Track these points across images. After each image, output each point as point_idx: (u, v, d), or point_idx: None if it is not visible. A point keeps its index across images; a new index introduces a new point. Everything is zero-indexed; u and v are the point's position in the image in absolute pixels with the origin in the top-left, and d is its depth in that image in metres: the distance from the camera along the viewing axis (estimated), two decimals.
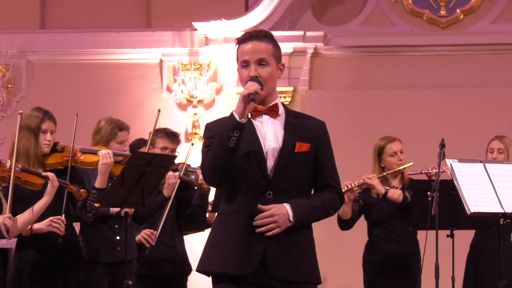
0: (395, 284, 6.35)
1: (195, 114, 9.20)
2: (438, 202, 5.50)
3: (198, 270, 3.81)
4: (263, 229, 3.68)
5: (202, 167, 3.77)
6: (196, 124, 9.16)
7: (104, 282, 5.66)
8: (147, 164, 5.27)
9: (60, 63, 9.37)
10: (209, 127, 3.84)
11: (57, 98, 8.99)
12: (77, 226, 5.55)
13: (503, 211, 5.14)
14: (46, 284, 5.10)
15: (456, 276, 5.98)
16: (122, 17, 9.48)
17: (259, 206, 3.69)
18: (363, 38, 9.12)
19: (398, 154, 6.46)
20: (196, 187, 6.15)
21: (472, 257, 6.66)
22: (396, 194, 6.35)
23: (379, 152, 6.50)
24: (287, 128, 3.79)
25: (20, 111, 5.10)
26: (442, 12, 9.17)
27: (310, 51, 9.03)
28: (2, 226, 4.75)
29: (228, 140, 3.63)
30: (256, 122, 3.79)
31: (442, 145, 5.69)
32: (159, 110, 5.76)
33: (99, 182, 5.28)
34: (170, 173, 5.88)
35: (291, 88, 8.93)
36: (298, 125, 3.81)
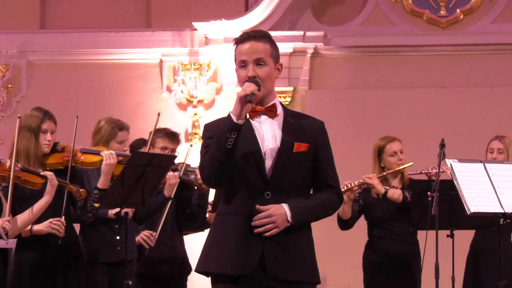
0: (395, 284, 6.35)
1: (195, 114, 9.20)
2: (438, 202, 5.50)
3: (197, 271, 3.82)
4: (261, 229, 3.68)
5: (200, 168, 3.77)
6: (196, 124, 9.17)
7: (104, 282, 5.66)
8: (147, 164, 5.27)
9: (60, 63, 9.37)
10: (208, 127, 3.84)
11: (57, 98, 8.99)
12: (77, 226, 5.55)
13: (503, 211, 5.14)
14: (46, 284, 5.10)
15: (456, 276, 5.98)
16: (122, 17, 9.48)
17: (257, 206, 3.69)
18: (363, 38, 9.12)
19: (398, 154, 6.46)
20: (196, 187, 6.15)
21: (472, 257, 6.66)
22: (396, 194, 6.35)
23: (379, 152, 6.50)
24: (285, 128, 3.78)
25: (18, 115, 5.10)
26: (442, 12, 9.17)
27: (310, 51, 9.03)
28: (1, 229, 4.75)
29: (226, 142, 3.63)
30: (255, 123, 3.79)
31: (442, 145, 5.69)
32: (158, 114, 5.76)
33: (102, 182, 5.27)
34: (171, 173, 5.88)
35: (291, 88, 8.93)
36: (296, 125, 3.81)
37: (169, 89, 9.28)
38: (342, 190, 6.07)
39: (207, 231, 4.98)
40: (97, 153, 5.30)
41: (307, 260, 3.78)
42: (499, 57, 8.96)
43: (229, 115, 3.67)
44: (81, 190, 5.14)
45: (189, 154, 6.24)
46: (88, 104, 9.01)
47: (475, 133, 8.43)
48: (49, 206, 5.04)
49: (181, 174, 6.05)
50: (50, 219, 5.04)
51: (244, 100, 3.64)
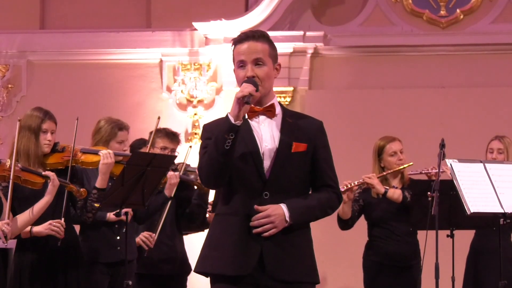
0: (395, 284, 6.35)
1: (195, 114, 9.20)
2: (438, 202, 5.49)
3: (196, 271, 3.82)
4: (259, 229, 3.68)
5: (199, 168, 3.77)
6: (196, 124, 9.17)
7: (104, 282, 5.66)
8: (147, 164, 5.27)
9: (60, 63, 9.37)
10: (206, 128, 3.84)
11: (57, 98, 8.99)
12: (77, 226, 5.55)
13: (503, 211, 5.13)
14: (46, 284, 5.10)
15: (456, 276, 5.98)
16: (122, 17, 9.48)
17: (256, 206, 3.69)
18: (363, 38, 9.12)
19: (398, 154, 6.46)
20: (196, 187, 6.16)
21: (472, 257, 6.66)
22: (396, 194, 6.35)
23: (379, 152, 6.50)
24: (284, 128, 3.78)
25: (18, 118, 5.10)
26: (442, 12, 9.17)
27: (310, 51, 9.03)
28: (0, 232, 4.74)
29: (224, 143, 3.63)
30: (253, 123, 3.79)
31: (442, 145, 5.68)
32: (158, 118, 5.77)
33: (100, 182, 5.27)
34: (171, 173, 5.88)
35: (291, 88, 8.92)
36: (295, 125, 3.80)
37: (169, 89, 9.28)
38: (342, 190, 6.11)
39: (207, 231, 4.98)
40: (97, 153, 5.30)
41: (306, 260, 3.78)
42: (499, 57, 8.96)
43: (226, 116, 3.66)
44: (81, 189, 5.13)
45: (189, 154, 6.25)
46: (88, 104, 9.01)
47: (475, 133, 8.43)
48: (49, 206, 5.04)
49: (181, 174, 6.05)
50: (50, 221, 5.03)
51: (241, 101, 3.64)
